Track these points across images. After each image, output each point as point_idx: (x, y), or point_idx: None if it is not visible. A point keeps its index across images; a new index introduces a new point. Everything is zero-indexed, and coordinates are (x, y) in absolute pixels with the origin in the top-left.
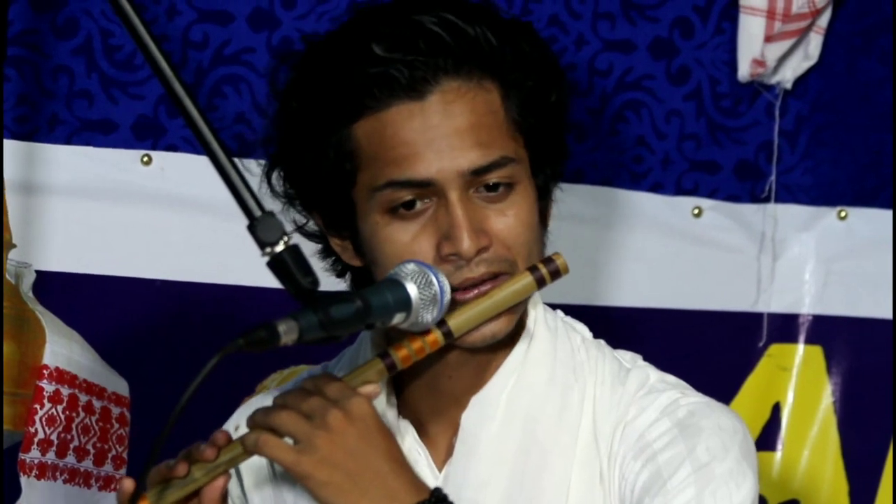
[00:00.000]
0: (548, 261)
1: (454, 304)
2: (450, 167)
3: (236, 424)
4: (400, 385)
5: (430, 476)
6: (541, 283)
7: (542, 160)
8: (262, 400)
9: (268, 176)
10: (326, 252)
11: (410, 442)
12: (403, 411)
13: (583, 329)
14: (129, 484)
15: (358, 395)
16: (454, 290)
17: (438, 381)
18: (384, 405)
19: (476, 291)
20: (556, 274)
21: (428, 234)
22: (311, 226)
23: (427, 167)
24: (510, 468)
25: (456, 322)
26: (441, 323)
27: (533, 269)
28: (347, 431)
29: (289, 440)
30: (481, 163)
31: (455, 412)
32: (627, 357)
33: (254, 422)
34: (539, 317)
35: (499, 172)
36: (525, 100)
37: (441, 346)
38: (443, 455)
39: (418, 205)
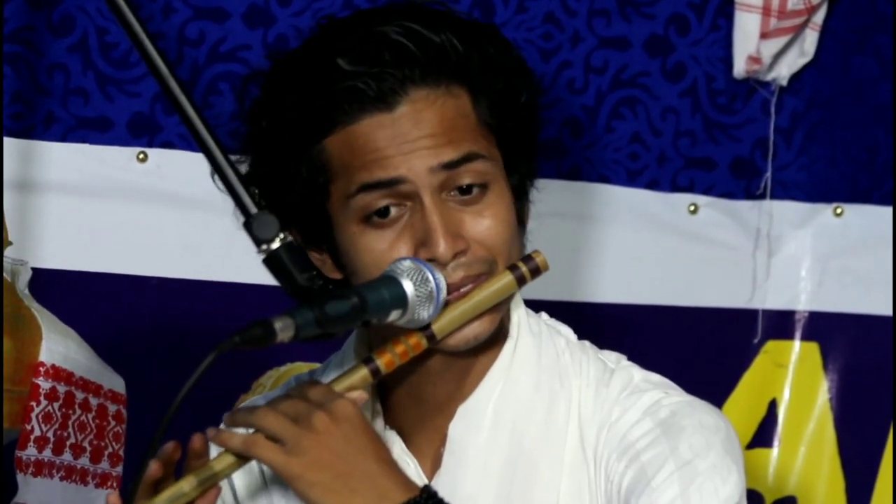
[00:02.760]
0: (527, 259)
1: None
2: (420, 164)
3: None
4: (385, 394)
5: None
6: (521, 281)
7: (515, 160)
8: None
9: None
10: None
11: (398, 452)
12: (389, 421)
13: (567, 331)
14: (114, 500)
15: (342, 398)
16: None
17: (422, 389)
18: (370, 415)
19: (456, 294)
20: (535, 272)
21: (404, 241)
22: None
23: (396, 167)
24: (499, 479)
25: (439, 325)
26: (424, 326)
27: (513, 267)
28: (333, 432)
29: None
30: (451, 157)
31: (440, 421)
32: (612, 358)
33: (234, 421)
34: (522, 321)
35: (470, 168)
36: (495, 102)
37: (424, 349)
38: (430, 465)
39: (393, 212)
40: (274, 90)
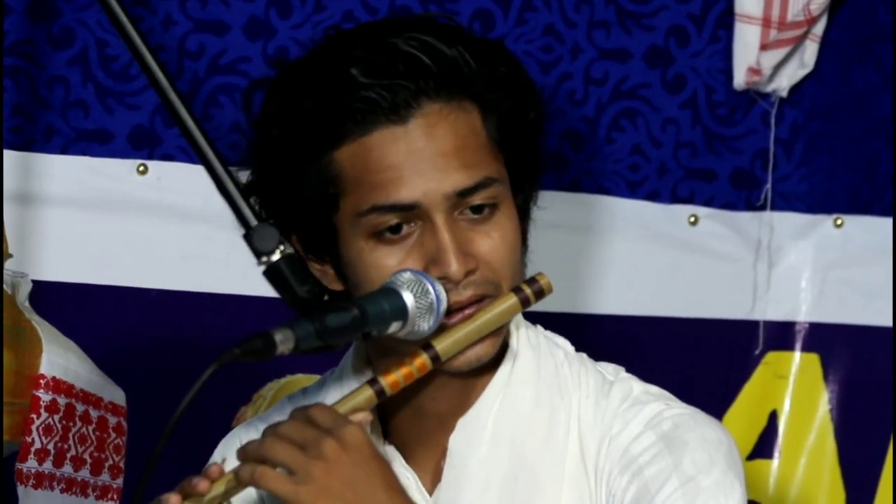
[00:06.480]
0: (531, 281)
1: (440, 328)
2: (435, 190)
3: (223, 456)
4: (384, 410)
5: (422, 501)
6: (525, 303)
7: (521, 179)
8: (244, 430)
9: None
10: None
11: (397, 467)
12: (388, 436)
13: (565, 343)
14: None
15: (351, 423)
16: None
17: (423, 404)
18: (368, 429)
19: (461, 315)
20: (539, 294)
21: (414, 259)
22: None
23: (412, 191)
24: (500, 492)
25: (443, 346)
26: (428, 347)
27: (517, 290)
28: (343, 460)
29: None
30: (466, 184)
31: (440, 435)
32: (610, 369)
33: (245, 454)
34: (521, 334)
35: (483, 193)
36: (503, 119)
37: (429, 370)
38: (431, 479)
39: (404, 228)
40: (284, 98)
